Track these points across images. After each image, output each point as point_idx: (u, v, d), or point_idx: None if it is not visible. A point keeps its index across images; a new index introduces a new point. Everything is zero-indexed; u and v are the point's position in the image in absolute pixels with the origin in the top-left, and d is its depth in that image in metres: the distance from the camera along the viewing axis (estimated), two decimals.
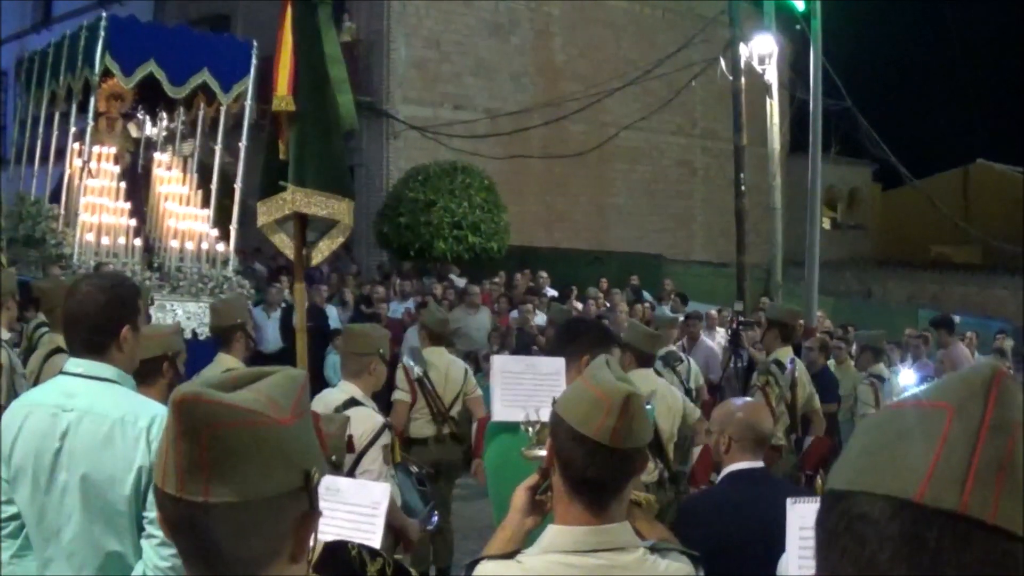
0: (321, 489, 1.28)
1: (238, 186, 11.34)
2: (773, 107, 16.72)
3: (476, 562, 2.06)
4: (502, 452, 3.10)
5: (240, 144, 11.31)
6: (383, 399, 6.08)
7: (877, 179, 32.67)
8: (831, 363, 9.70)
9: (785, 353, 7.31)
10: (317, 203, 4.31)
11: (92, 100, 10.82)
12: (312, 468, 1.23)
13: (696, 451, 6.35)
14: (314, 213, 4.35)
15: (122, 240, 10.39)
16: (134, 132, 11.66)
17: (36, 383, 4.83)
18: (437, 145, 20.08)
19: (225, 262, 10.96)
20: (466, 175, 17.20)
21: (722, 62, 17.30)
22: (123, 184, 10.87)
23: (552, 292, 14.89)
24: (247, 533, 1.20)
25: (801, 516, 2.53)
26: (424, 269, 16.61)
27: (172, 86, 10.82)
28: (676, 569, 2.04)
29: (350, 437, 4.09)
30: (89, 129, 10.92)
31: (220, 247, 10.95)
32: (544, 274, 15.34)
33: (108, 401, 2.67)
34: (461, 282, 14.76)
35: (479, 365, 9.72)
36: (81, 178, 10.64)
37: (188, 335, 9.03)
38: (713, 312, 13.37)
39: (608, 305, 13.63)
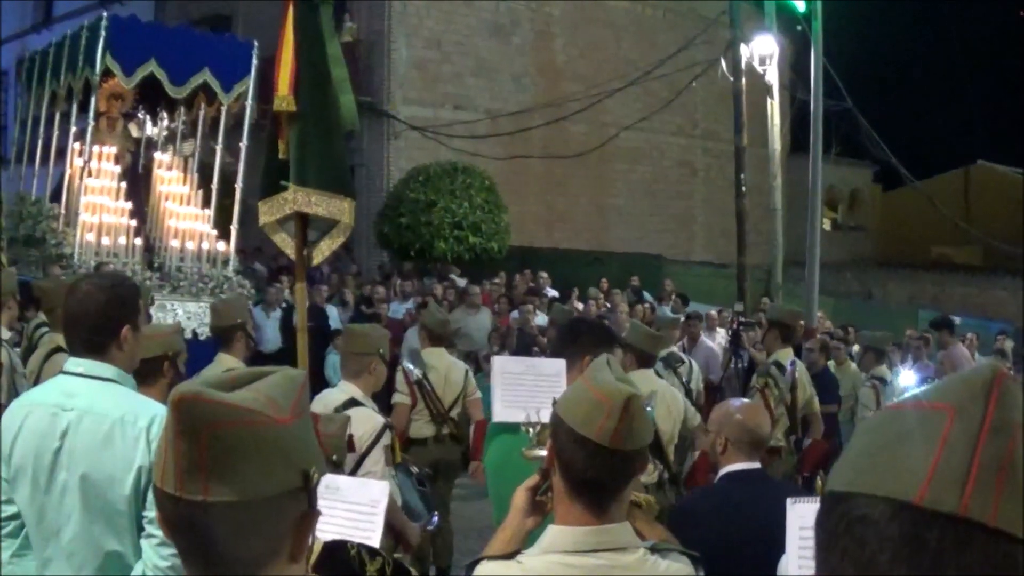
0: (320, 488, 1.27)
1: (239, 186, 11.33)
2: (774, 108, 16.71)
3: (476, 562, 2.06)
4: (503, 452, 3.10)
5: (241, 144, 11.31)
6: (383, 400, 6.08)
7: (878, 180, 32.69)
8: (831, 364, 9.70)
9: (785, 354, 7.31)
10: (318, 202, 4.32)
11: (93, 100, 10.81)
12: (311, 468, 1.23)
13: (696, 454, 6.35)
14: (315, 213, 4.36)
15: (122, 240, 10.39)
16: (135, 132, 11.67)
17: (36, 383, 4.83)
18: (438, 145, 20.09)
19: (225, 262, 10.96)
20: (467, 175, 17.20)
21: (723, 63, 17.31)
22: (123, 184, 10.87)
23: (553, 292, 14.89)
24: (246, 532, 1.20)
25: (801, 516, 2.52)
26: (424, 269, 16.62)
27: (173, 86, 10.82)
28: (676, 569, 2.04)
29: (350, 437, 4.08)
30: (90, 129, 10.92)
31: (220, 247, 10.95)
32: (544, 274, 15.35)
33: (108, 401, 2.67)
34: (462, 282, 14.76)
35: (480, 365, 9.71)
36: (81, 178, 10.64)
37: (188, 335, 9.03)
38: (713, 313, 13.36)
39: (608, 306, 13.63)
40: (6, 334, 5.61)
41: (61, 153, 11.47)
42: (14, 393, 4.87)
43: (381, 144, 20.19)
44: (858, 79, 21.82)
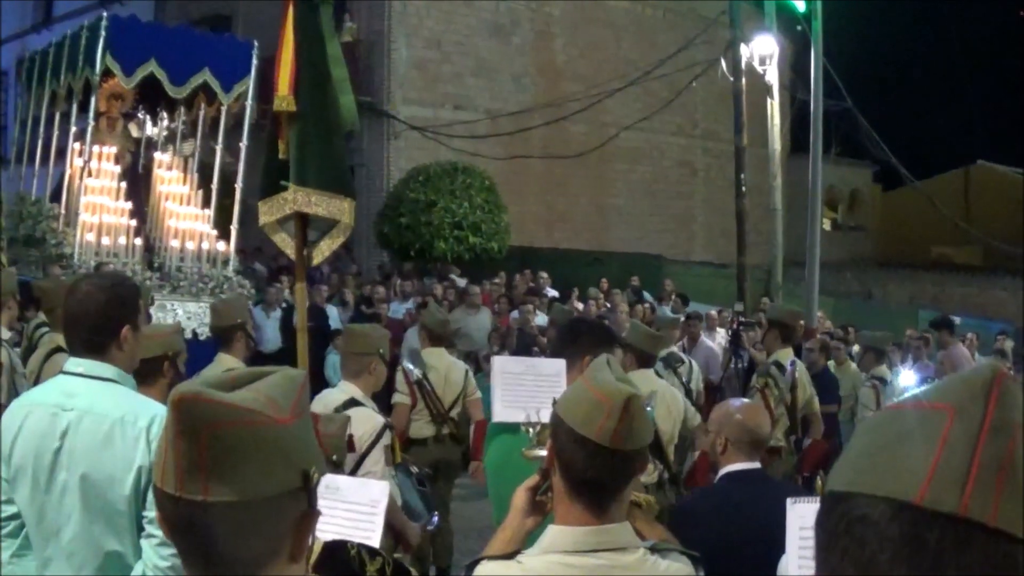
0: (320, 488, 1.27)
1: (239, 186, 11.33)
2: (774, 108, 16.71)
3: (476, 562, 2.06)
4: (503, 452, 3.10)
5: (241, 144, 11.31)
6: (382, 401, 6.08)
7: (878, 180, 32.70)
8: (831, 364, 9.70)
9: (785, 354, 7.30)
10: (319, 202, 4.33)
11: (93, 100, 10.81)
12: (311, 468, 1.23)
13: (696, 454, 6.35)
14: (316, 212, 4.36)
15: (122, 240, 10.39)
16: (135, 132, 11.67)
17: (36, 383, 4.83)
18: (438, 145, 20.09)
19: (225, 262, 10.96)
20: (467, 175, 17.20)
21: (723, 63, 17.31)
22: (123, 184, 10.87)
23: (552, 292, 14.89)
24: (246, 532, 1.20)
25: (801, 516, 2.52)
26: (424, 269, 16.62)
27: (173, 86, 10.82)
28: (676, 569, 2.04)
29: (351, 437, 4.09)
30: (90, 129, 10.91)
31: (220, 247, 10.95)
32: (544, 275, 15.35)
33: (108, 401, 2.66)
34: (462, 282, 14.76)
35: (479, 365, 9.72)
36: (81, 178, 10.64)
37: (188, 335, 9.03)
38: (713, 313, 13.36)
39: (608, 306, 13.63)
40: (6, 334, 5.61)
41: (61, 153, 11.47)
42: (14, 393, 4.87)
43: (381, 144, 20.19)
44: (858, 79, 21.85)
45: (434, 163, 17.70)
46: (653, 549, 2.05)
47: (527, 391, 3.10)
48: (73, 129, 11.00)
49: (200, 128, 11.96)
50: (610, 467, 1.95)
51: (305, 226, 4.50)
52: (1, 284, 5.78)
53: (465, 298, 12.66)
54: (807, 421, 7.37)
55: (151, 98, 11.43)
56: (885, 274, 27.61)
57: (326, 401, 4.62)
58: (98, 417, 2.63)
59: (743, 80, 16.42)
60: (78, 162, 10.82)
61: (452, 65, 21.13)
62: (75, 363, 2.73)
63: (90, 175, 10.66)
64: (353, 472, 4.14)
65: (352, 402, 4.54)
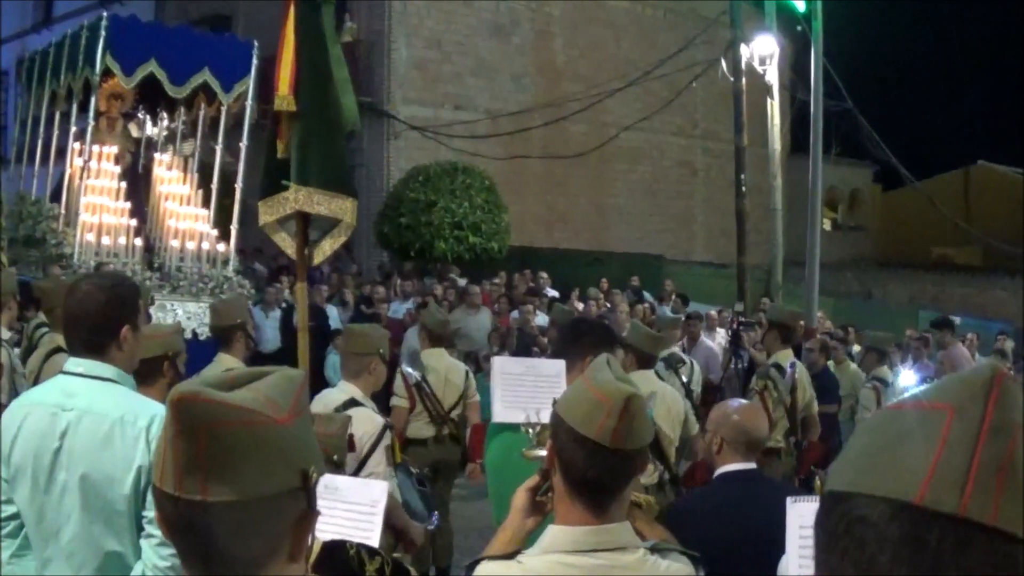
0: (319, 487, 1.27)
1: (239, 186, 11.33)
2: (774, 108, 16.72)
3: (476, 562, 2.06)
4: (503, 452, 3.10)
5: (241, 144, 11.31)
6: (381, 401, 6.07)
7: (878, 180, 32.69)
8: (831, 364, 9.70)
9: (785, 355, 7.30)
10: (321, 202, 4.33)
11: (93, 100, 10.80)
12: (310, 468, 1.23)
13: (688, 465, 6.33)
14: (318, 212, 4.37)
15: (122, 240, 10.39)
16: (135, 132, 11.66)
17: (36, 383, 4.82)
18: (438, 145, 20.09)
19: (225, 262, 10.96)
20: (467, 175, 17.20)
21: (723, 63, 17.32)
22: (123, 184, 10.87)
23: (553, 293, 14.89)
24: (245, 532, 1.20)
25: (801, 516, 2.52)
26: (425, 269, 16.62)
27: (173, 86, 10.82)
28: (676, 569, 2.04)
29: (351, 436, 4.08)
30: (90, 129, 10.91)
31: (220, 247, 10.95)
32: (544, 275, 15.35)
33: (108, 401, 2.66)
34: (462, 282, 14.75)
35: (480, 366, 9.72)
36: (81, 178, 10.64)
37: (188, 335, 9.03)
38: (713, 313, 13.36)
39: (608, 306, 13.63)
40: (6, 334, 5.61)
41: (61, 153, 11.46)
42: (14, 393, 4.87)
43: (381, 144, 20.19)
44: (858, 79, 21.85)
45: (434, 163, 17.70)
46: (653, 549, 2.05)
47: (527, 391, 3.11)
48: (73, 129, 11.00)
49: (200, 128, 11.96)
50: (610, 467, 1.95)
51: (306, 226, 4.50)
52: (1, 284, 5.78)
53: (465, 298, 12.65)
54: (807, 423, 7.36)
55: (151, 98, 11.43)
56: (885, 274, 27.62)
57: (326, 401, 4.62)
58: (98, 417, 2.63)
59: (743, 80, 16.43)
60: (78, 162, 10.82)
61: (452, 65, 21.13)
62: (75, 363, 2.73)
63: (90, 175, 10.66)
64: (355, 473, 4.14)
65: (352, 402, 4.54)
